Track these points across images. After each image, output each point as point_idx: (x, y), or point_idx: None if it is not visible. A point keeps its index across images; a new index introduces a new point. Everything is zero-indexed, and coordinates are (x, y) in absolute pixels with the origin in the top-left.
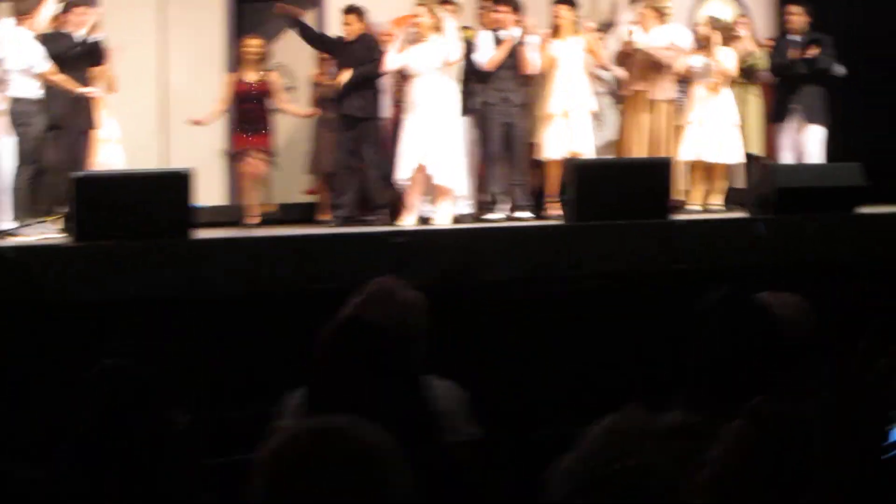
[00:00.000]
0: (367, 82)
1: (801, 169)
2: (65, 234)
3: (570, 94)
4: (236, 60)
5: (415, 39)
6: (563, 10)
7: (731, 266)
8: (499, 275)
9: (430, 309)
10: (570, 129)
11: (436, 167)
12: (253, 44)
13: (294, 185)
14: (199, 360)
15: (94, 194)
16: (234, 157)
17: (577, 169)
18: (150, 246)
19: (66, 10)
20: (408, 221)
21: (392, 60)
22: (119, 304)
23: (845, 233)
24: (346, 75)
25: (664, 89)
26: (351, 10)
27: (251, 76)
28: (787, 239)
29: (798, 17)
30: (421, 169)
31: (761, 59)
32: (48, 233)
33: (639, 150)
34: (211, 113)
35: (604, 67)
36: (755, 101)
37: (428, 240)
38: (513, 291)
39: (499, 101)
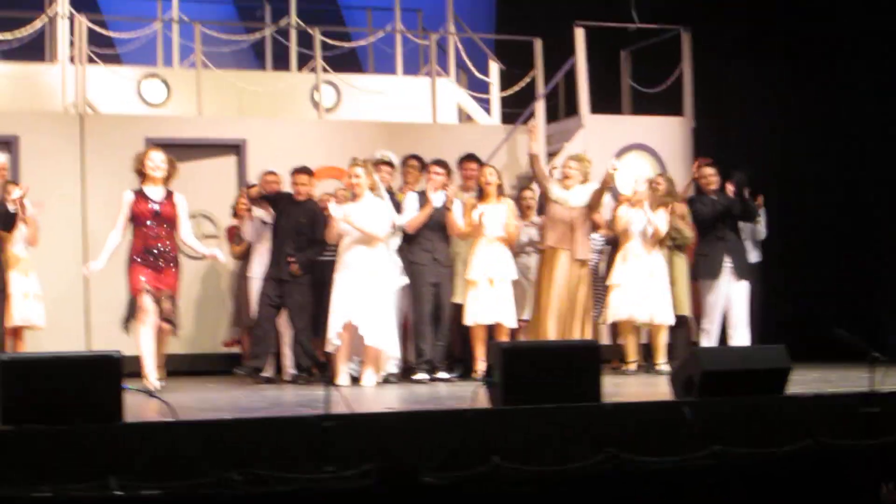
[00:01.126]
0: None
1: (726, 351)
2: None
3: (492, 261)
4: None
5: (350, 198)
6: (489, 172)
7: (660, 450)
8: (429, 465)
9: None
10: (494, 296)
11: (365, 327)
12: (157, 157)
13: (211, 335)
14: None
15: (21, 378)
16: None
17: (503, 352)
18: (81, 431)
19: None
20: (341, 381)
21: (334, 230)
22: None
23: (771, 416)
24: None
25: (582, 248)
26: (304, 170)
27: (155, 193)
28: (712, 422)
29: (714, 178)
30: (349, 328)
31: (687, 231)
32: None
33: (552, 306)
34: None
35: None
36: (681, 261)
37: (356, 425)
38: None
39: (428, 261)
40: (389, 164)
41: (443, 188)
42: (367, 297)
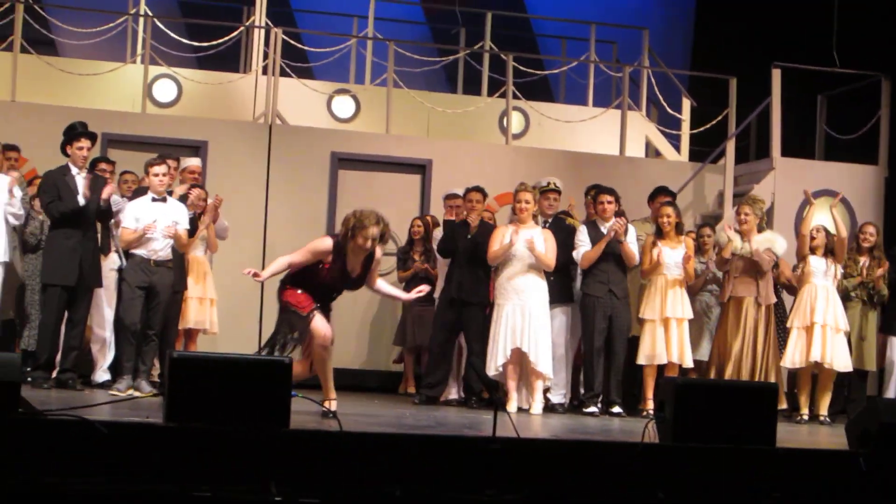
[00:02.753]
0: (480, 265)
1: None
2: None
3: (666, 300)
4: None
5: (515, 222)
6: (668, 212)
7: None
8: (592, 495)
9: None
10: (667, 336)
11: (536, 354)
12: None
13: (377, 351)
14: None
15: (190, 376)
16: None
17: (676, 388)
18: (246, 433)
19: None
20: (511, 407)
21: (497, 253)
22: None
23: None
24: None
25: (768, 293)
26: (478, 189)
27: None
28: (888, 476)
29: None
30: (515, 356)
31: (885, 289)
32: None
33: (741, 355)
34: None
35: (689, 280)
36: (874, 316)
37: (523, 450)
38: None
39: (603, 293)
40: (556, 190)
41: (616, 216)
42: (535, 324)
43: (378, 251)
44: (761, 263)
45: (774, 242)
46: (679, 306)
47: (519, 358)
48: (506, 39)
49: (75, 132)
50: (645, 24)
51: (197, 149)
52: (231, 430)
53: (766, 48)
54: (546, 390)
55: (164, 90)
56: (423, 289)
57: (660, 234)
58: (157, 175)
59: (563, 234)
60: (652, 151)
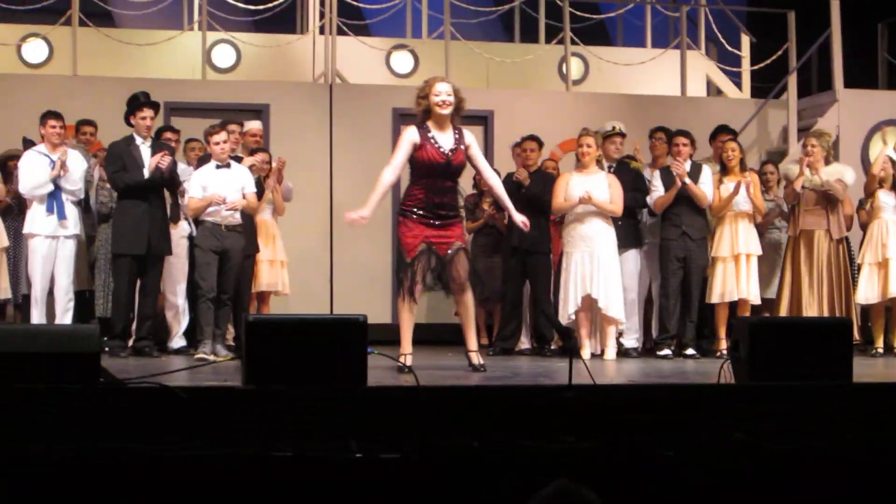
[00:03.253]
0: (539, 214)
1: None
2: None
3: (737, 236)
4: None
5: (578, 168)
6: (732, 147)
7: None
8: (669, 439)
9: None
10: (737, 273)
11: (606, 300)
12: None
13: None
14: None
15: (266, 338)
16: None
17: (750, 327)
18: (323, 393)
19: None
20: (585, 353)
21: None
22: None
23: None
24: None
25: (840, 227)
26: (532, 138)
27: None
28: None
29: None
30: (586, 303)
31: None
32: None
33: (815, 291)
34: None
35: (760, 213)
36: None
37: (598, 395)
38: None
39: (677, 236)
40: (621, 134)
41: (689, 159)
42: (604, 270)
43: (470, 137)
44: (835, 193)
45: (844, 173)
46: (750, 242)
47: (590, 305)
48: None
49: (138, 102)
50: None
51: (259, 112)
52: (309, 389)
53: None
54: (619, 335)
55: (223, 55)
56: (525, 222)
57: (724, 170)
58: (217, 143)
59: (629, 178)
60: (713, 90)
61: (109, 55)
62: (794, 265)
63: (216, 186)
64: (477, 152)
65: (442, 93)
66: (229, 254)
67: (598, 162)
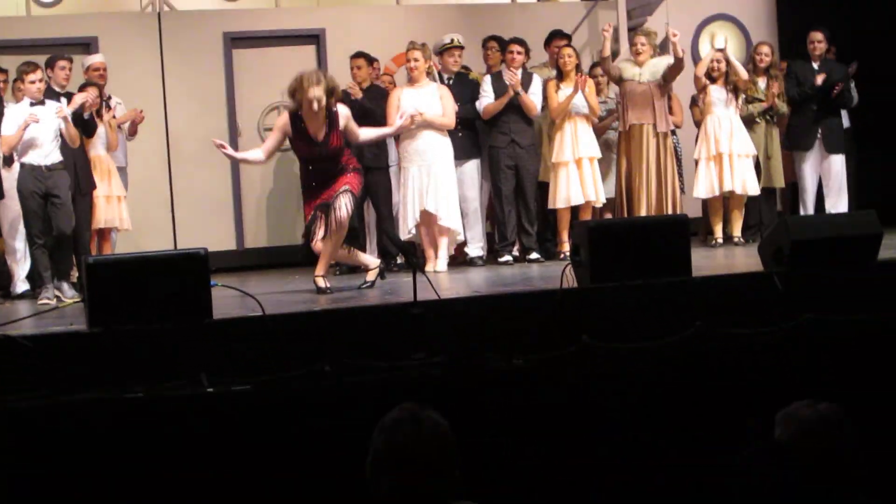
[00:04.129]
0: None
1: (815, 221)
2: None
3: (577, 140)
4: None
5: (409, 82)
6: (568, 52)
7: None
8: (519, 347)
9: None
10: (580, 176)
11: (442, 212)
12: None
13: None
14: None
15: (107, 279)
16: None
17: (589, 231)
18: (170, 330)
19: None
20: (440, 266)
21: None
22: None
23: (865, 284)
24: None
25: (664, 121)
26: (360, 55)
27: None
28: (803, 292)
29: (820, 45)
30: (424, 217)
31: (784, 107)
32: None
33: (644, 184)
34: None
35: (595, 114)
36: (776, 133)
37: (444, 309)
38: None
39: (506, 143)
40: (459, 47)
41: (521, 67)
42: (439, 183)
43: (341, 108)
44: (674, 51)
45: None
46: (589, 146)
47: (429, 219)
48: None
49: None
50: None
51: (87, 45)
52: (155, 327)
53: None
54: (462, 244)
55: None
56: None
57: (560, 76)
58: (33, 82)
59: (468, 90)
60: None
61: None
62: (625, 162)
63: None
64: (351, 125)
65: (314, 100)
66: (55, 192)
67: (429, 74)
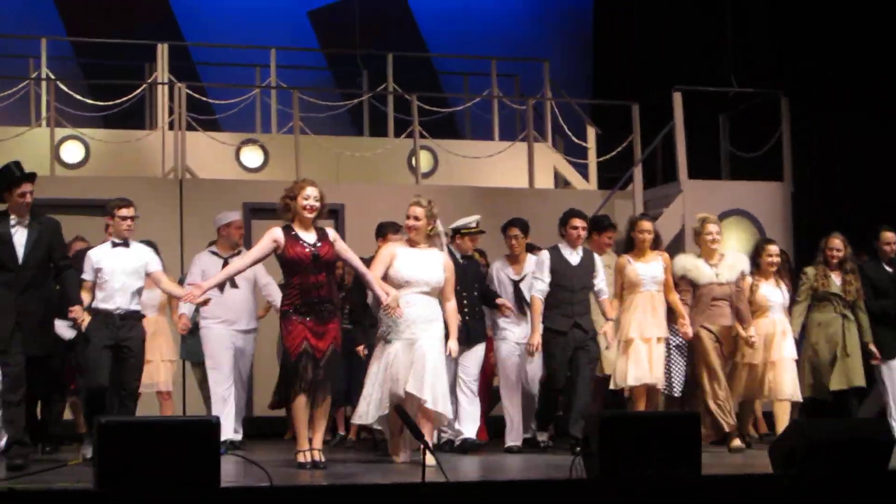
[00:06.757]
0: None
1: (828, 423)
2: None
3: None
4: None
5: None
6: (649, 226)
7: None
8: None
9: None
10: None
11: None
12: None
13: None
14: None
15: (119, 441)
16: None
17: (601, 422)
18: (178, 496)
19: None
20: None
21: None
22: None
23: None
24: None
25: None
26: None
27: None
28: (813, 495)
29: (891, 247)
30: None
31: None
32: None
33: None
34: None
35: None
36: (852, 327)
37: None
38: None
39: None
40: (482, 232)
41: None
42: (424, 361)
43: (332, 232)
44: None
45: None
46: (658, 325)
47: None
48: (408, 80)
49: (13, 176)
50: (544, 55)
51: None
52: (162, 493)
53: (665, 73)
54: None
55: (72, 152)
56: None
57: (630, 248)
58: (125, 218)
59: (473, 272)
60: (561, 182)
61: None
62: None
63: (111, 267)
64: (342, 245)
65: (311, 197)
66: (128, 345)
67: (431, 236)
